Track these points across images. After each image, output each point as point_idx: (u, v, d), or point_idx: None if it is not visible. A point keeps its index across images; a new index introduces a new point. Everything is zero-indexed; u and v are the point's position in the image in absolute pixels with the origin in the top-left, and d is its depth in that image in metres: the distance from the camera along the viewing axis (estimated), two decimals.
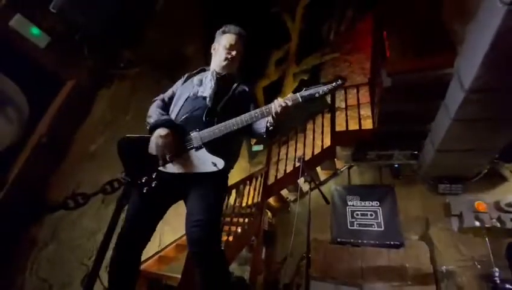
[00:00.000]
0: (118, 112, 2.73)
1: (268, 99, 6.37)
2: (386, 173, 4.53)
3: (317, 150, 4.75)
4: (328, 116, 4.90)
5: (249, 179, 3.99)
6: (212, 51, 1.69)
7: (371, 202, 4.39)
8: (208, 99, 1.49)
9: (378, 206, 4.32)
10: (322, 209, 4.87)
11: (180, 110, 1.51)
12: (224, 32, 1.65)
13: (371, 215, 4.31)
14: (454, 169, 3.73)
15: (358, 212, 4.41)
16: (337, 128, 4.66)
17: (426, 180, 4.19)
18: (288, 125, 5.50)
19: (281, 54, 6.37)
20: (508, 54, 1.98)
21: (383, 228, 4.15)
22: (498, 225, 3.48)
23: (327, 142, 4.63)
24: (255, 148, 6.24)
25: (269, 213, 4.96)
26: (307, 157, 4.66)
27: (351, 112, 5.07)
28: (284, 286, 4.18)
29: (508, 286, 2.53)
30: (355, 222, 4.38)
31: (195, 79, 1.60)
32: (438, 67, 2.63)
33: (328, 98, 5.60)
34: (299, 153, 4.80)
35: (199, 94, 1.52)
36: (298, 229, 4.92)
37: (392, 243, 4.01)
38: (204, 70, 1.69)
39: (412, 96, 3.11)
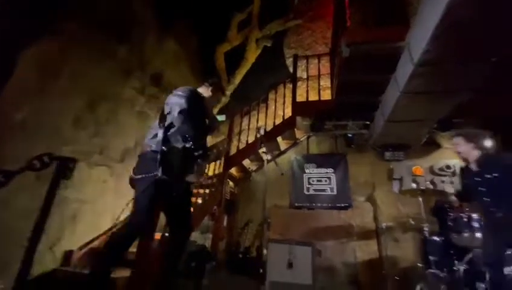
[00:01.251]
0: (47, 76, 2.33)
1: (230, 66, 6.13)
2: (341, 142, 4.80)
3: (278, 121, 4.80)
4: (290, 86, 4.90)
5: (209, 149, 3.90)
6: None
7: (325, 169, 4.68)
8: None
9: (332, 172, 4.64)
10: (282, 177, 5.10)
11: None
12: None
13: (325, 181, 4.62)
14: (399, 138, 4.09)
15: (314, 179, 4.69)
16: (298, 99, 4.72)
17: (374, 148, 4.56)
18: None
19: (243, 17, 5.99)
20: (457, 28, 2.07)
21: (335, 192, 4.51)
22: (431, 186, 4.00)
23: (288, 112, 4.68)
24: (218, 118, 6.07)
25: (231, 183, 5.02)
26: (268, 128, 4.70)
27: (312, 82, 5.13)
28: (244, 249, 4.40)
29: (434, 237, 3.00)
30: (311, 188, 4.67)
31: None
32: (392, 40, 2.70)
33: (290, 68, 5.56)
34: (261, 123, 4.80)
35: None
36: (259, 197, 5.12)
37: (342, 205, 4.41)
38: None
39: (368, 68, 3.20)
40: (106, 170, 3.06)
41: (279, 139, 4.94)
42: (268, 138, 4.65)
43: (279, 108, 4.92)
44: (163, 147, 1.65)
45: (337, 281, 4.07)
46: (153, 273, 2.37)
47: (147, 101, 3.68)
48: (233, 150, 4.78)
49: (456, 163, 4.26)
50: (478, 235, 2.62)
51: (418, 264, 3.15)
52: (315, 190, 4.63)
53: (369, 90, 3.63)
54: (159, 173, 1.59)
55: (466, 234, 2.69)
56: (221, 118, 6.29)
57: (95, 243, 2.79)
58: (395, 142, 4.29)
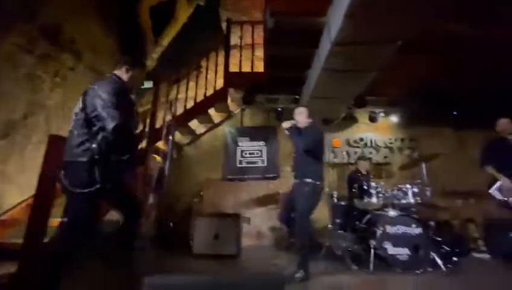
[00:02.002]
0: None
1: (158, 25, 5.40)
2: (272, 115, 4.89)
3: (211, 91, 4.54)
4: (223, 54, 4.60)
5: None
6: None
7: (258, 142, 4.76)
8: None
9: (264, 145, 4.76)
10: (216, 150, 5.02)
11: None
12: None
13: (257, 153, 4.73)
14: (322, 113, 4.35)
15: (247, 152, 4.75)
16: (232, 69, 4.49)
17: None
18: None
19: None
20: (367, 8, 2.13)
21: (265, 164, 4.68)
22: (346, 157, 4.47)
23: (221, 83, 4.45)
24: (145, 85, 5.43)
25: (158, 158, 4.71)
26: (200, 98, 4.43)
27: (246, 51, 4.92)
28: (174, 224, 4.33)
29: (341, 202, 3.42)
30: (244, 160, 4.74)
31: None
32: (314, 14, 2.67)
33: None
34: (191, 92, 4.49)
35: None
36: (192, 170, 4.98)
37: (271, 175, 4.63)
38: None
39: (294, 42, 3.17)
40: None
41: (211, 111, 4.74)
42: (200, 110, 4.42)
43: (211, 77, 4.63)
44: (97, 157, 1.71)
45: (264, 244, 4.40)
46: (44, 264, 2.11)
47: (39, 62, 2.98)
48: (159, 123, 4.41)
49: (368, 136, 4.83)
50: (375, 200, 3.07)
51: (329, 226, 3.59)
52: (247, 163, 4.72)
53: (296, 65, 3.66)
54: (98, 185, 1.69)
55: (365, 200, 3.12)
56: (147, 84, 5.69)
57: None
58: (319, 117, 4.56)
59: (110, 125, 1.69)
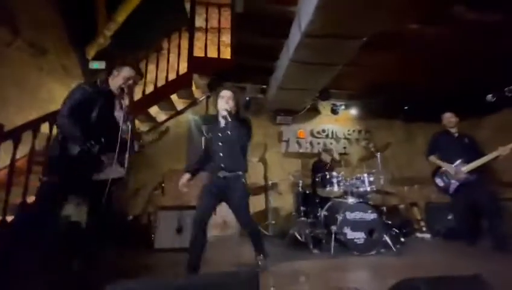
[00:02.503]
0: None
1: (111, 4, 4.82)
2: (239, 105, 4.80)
3: (172, 76, 4.25)
4: (186, 36, 4.31)
5: None
6: None
7: None
8: None
9: None
10: (180, 140, 4.80)
11: None
12: None
13: None
14: (288, 104, 4.41)
15: None
16: (196, 53, 4.25)
17: (268, 112, 4.81)
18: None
19: None
20: (341, 1, 2.14)
21: None
22: (310, 147, 4.63)
23: (184, 68, 4.19)
24: (95, 65, 4.87)
25: None
26: (160, 83, 4.13)
27: (212, 35, 4.69)
28: (133, 217, 4.08)
29: (306, 191, 3.56)
30: None
31: None
32: (285, 2, 2.63)
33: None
34: (151, 76, 4.15)
35: None
36: (151, 161, 4.70)
37: None
38: None
39: (264, 30, 3.10)
40: None
41: (174, 97, 4.46)
42: (161, 95, 4.13)
43: (173, 61, 4.33)
44: None
45: (230, 233, 4.40)
46: None
47: None
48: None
49: (330, 127, 5.06)
50: (335, 189, 3.24)
51: (292, 213, 3.72)
52: None
53: (265, 54, 3.60)
54: None
55: (327, 188, 3.28)
56: (99, 64, 5.13)
57: None
58: (285, 108, 4.62)
59: None
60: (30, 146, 2.30)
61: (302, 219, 3.36)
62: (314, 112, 4.98)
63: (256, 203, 4.63)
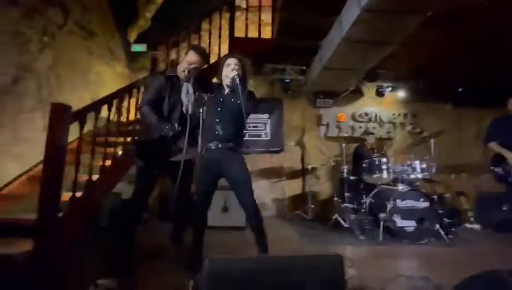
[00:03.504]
0: None
1: None
2: (278, 87, 4.70)
3: (213, 58, 4.22)
4: (227, 16, 4.21)
5: (129, 89, 3.19)
6: None
7: (262, 115, 4.62)
8: None
9: (268, 118, 4.63)
10: None
11: None
12: None
13: (261, 126, 4.62)
14: (330, 86, 4.23)
15: (251, 124, 4.62)
16: (237, 34, 4.15)
17: (308, 95, 4.66)
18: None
19: None
20: None
21: (269, 137, 4.60)
22: (350, 131, 4.46)
23: (225, 49, 4.13)
24: (136, 48, 4.94)
25: None
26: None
27: (252, 15, 4.53)
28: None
29: (350, 177, 3.47)
30: (247, 133, 4.62)
31: None
32: None
33: None
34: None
35: None
36: None
37: (275, 149, 4.58)
38: None
39: (312, 6, 2.92)
40: None
41: (214, 80, 4.45)
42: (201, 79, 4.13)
43: (214, 42, 4.28)
44: None
45: (268, 215, 4.49)
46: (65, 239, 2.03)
47: (24, 17, 2.56)
48: None
49: (373, 110, 4.81)
50: (384, 175, 3.12)
51: (335, 199, 3.67)
52: (250, 136, 4.61)
53: (311, 33, 3.42)
54: None
55: (375, 174, 3.17)
56: (140, 47, 5.20)
57: None
58: (326, 90, 4.44)
59: None
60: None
61: (346, 204, 3.30)
62: (357, 94, 4.74)
63: (292, 187, 4.64)
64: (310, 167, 4.24)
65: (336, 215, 3.33)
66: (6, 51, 2.46)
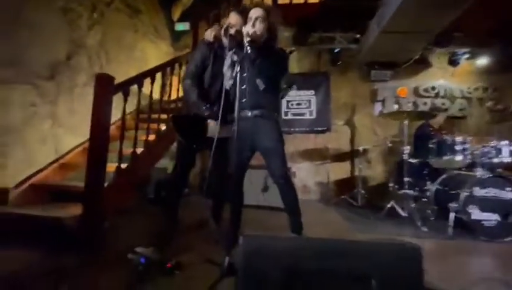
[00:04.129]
0: None
1: None
2: (325, 59, 4.24)
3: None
4: None
5: (171, 63, 3.15)
6: None
7: (306, 91, 4.25)
8: None
9: (313, 95, 4.24)
10: None
11: None
12: None
13: (305, 104, 4.27)
14: (390, 54, 3.64)
15: (294, 102, 4.31)
16: (280, 1, 3.81)
17: (361, 67, 4.11)
18: None
19: None
20: None
21: (314, 116, 4.23)
22: (412, 108, 3.83)
23: None
24: (180, 27, 4.93)
25: None
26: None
27: None
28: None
29: (411, 160, 2.96)
30: (290, 112, 4.33)
31: None
32: None
33: None
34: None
35: None
36: None
37: (320, 129, 4.21)
38: None
39: None
40: (31, 90, 2.33)
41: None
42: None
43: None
44: None
45: (311, 199, 4.23)
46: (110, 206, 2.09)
47: None
48: None
49: (442, 84, 4.05)
50: (459, 158, 2.58)
51: (390, 184, 3.22)
52: (293, 114, 4.31)
53: None
54: None
55: (447, 157, 2.64)
56: (183, 26, 5.16)
57: (37, 179, 2.33)
58: (384, 60, 3.85)
59: None
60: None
61: (405, 191, 2.85)
62: (422, 64, 4.01)
63: (338, 171, 4.26)
64: (361, 148, 3.79)
65: (391, 203, 2.91)
66: (59, 27, 2.57)
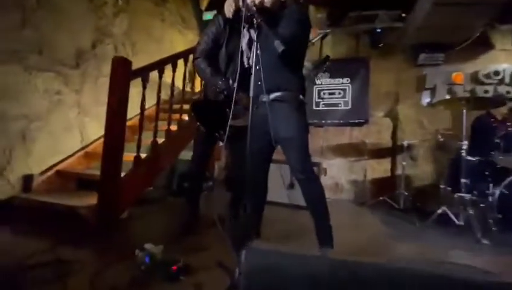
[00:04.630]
0: None
1: None
2: (365, 41, 3.77)
3: None
4: None
5: (193, 51, 3.01)
6: None
7: (341, 79, 3.84)
8: None
9: (349, 83, 3.82)
10: None
11: None
12: None
13: (339, 93, 3.87)
14: (443, 33, 3.08)
15: (326, 92, 3.93)
16: None
17: (406, 49, 3.59)
18: None
19: None
20: None
21: (349, 107, 3.81)
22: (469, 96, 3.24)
23: None
24: (208, 16, 4.81)
25: None
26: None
27: None
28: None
29: (469, 157, 2.46)
30: (322, 102, 3.96)
31: None
32: None
33: None
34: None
35: None
36: None
37: (356, 121, 3.78)
38: None
39: None
40: (56, 77, 2.34)
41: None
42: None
43: None
44: None
45: (343, 199, 3.86)
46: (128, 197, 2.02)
47: None
48: None
49: (507, 69, 3.37)
50: None
51: (441, 186, 2.74)
52: (326, 105, 3.93)
53: None
54: None
55: None
56: (211, 15, 5.03)
57: (62, 166, 2.36)
58: (435, 40, 3.29)
59: None
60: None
61: (462, 194, 2.37)
62: (482, 46, 3.34)
63: (377, 169, 3.82)
64: (405, 143, 3.31)
65: (443, 208, 2.45)
66: (84, 14, 2.55)
